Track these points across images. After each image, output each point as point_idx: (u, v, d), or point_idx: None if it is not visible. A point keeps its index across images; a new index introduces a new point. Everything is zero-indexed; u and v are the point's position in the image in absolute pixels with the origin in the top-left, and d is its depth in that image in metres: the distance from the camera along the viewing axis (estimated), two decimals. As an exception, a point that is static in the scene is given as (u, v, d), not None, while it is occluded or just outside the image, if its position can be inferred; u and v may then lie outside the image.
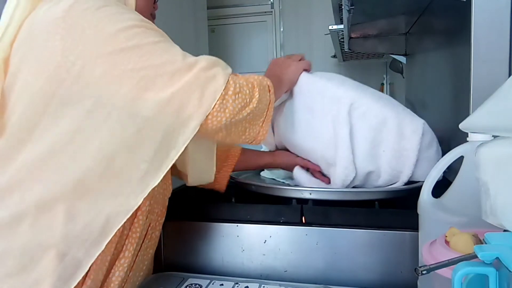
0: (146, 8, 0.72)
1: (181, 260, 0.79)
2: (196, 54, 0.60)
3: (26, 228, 0.54)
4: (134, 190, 0.58)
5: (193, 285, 0.70)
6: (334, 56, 2.51)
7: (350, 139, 0.75)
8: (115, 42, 0.55)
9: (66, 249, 0.54)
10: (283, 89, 0.79)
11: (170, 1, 1.60)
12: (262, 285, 0.69)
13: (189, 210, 0.80)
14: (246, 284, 0.70)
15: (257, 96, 0.62)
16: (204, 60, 0.59)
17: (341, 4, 1.20)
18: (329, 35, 1.73)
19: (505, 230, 0.37)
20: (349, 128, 0.76)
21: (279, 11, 3.15)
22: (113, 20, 0.56)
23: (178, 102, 0.55)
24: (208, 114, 0.56)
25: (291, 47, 3.06)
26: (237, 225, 0.76)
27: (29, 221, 0.55)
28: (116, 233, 0.58)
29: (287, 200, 0.79)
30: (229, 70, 0.61)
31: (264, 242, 0.75)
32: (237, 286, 0.69)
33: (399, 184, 0.78)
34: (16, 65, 0.58)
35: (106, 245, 0.57)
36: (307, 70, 0.84)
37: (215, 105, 0.57)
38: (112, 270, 0.61)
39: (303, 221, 0.75)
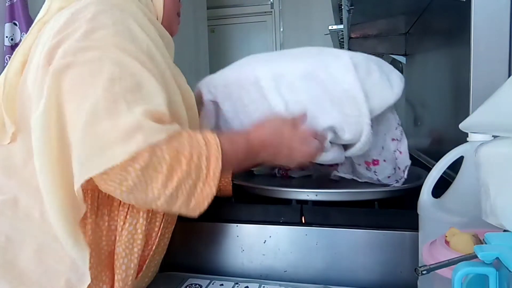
0: (173, 7, 0.72)
1: (181, 260, 0.79)
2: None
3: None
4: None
5: (193, 285, 0.70)
6: (334, 56, 2.51)
7: (289, 114, 0.70)
8: (79, 54, 0.52)
9: (65, 269, 0.54)
10: (270, 162, 0.69)
11: (170, 1, 1.60)
12: (262, 285, 0.69)
13: (189, 210, 0.80)
14: (246, 284, 0.70)
15: (175, 183, 0.53)
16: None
17: (341, 4, 1.20)
18: (329, 35, 1.73)
19: (505, 230, 0.37)
20: (285, 103, 0.70)
21: (279, 11, 3.15)
22: (89, 32, 0.53)
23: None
24: (96, 176, 0.48)
25: (291, 47, 3.06)
26: (237, 225, 0.76)
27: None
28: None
29: (287, 201, 0.79)
30: (159, 136, 0.51)
31: (264, 242, 0.75)
32: (237, 286, 0.69)
33: (367, 130, 0.69)
34: (27, 69, 0.58)
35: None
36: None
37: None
38: None
39: (303, 221, 0.74)
